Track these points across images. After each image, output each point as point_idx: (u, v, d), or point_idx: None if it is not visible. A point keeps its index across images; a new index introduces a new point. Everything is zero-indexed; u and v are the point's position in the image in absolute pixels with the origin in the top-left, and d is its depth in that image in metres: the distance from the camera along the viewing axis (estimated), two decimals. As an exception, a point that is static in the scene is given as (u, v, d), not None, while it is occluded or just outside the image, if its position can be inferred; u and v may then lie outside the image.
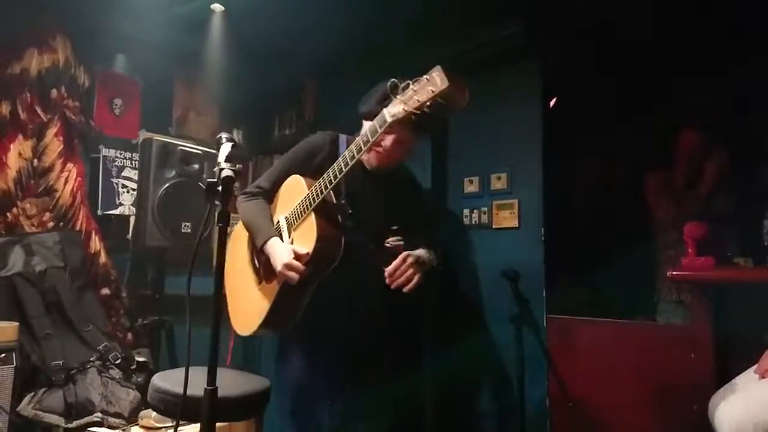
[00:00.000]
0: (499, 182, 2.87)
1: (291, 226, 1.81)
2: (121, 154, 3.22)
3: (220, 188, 1.33)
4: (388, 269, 1.74)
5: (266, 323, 1.85)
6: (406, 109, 1.47)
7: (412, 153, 1.86)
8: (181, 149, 2.86)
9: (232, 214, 1.41)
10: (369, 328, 1.87)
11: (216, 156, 1.48)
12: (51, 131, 2.91)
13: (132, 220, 3.06)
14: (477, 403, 2.77)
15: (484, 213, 2.89)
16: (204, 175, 2.89)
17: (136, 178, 3.06)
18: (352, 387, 1.87)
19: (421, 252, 1.81)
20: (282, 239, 1.80)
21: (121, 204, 3.20)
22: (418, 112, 1.45)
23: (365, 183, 1.86)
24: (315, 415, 1.85)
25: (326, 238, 1.70)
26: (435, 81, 1.43)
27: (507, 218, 2.83)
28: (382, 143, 1.81)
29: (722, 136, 2.77)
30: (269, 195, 1.95)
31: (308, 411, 1.86)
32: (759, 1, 2.39)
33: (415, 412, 2.53)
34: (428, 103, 1.44)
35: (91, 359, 2.58)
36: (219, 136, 1.57)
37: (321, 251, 1.69)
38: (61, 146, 2.94)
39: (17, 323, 2.39)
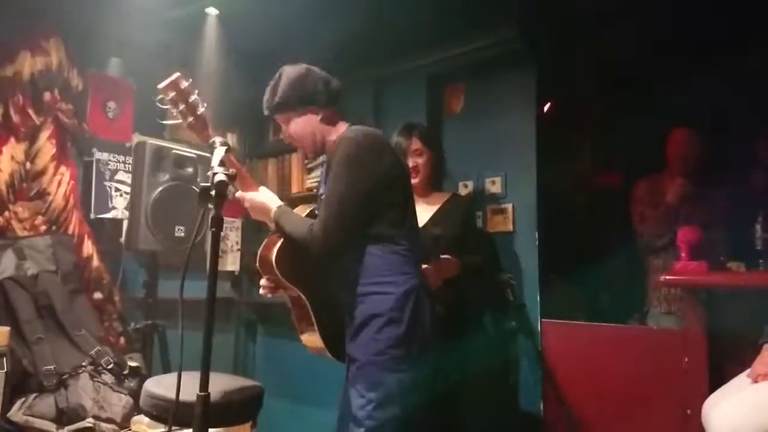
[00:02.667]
0: (493, 186, 2.88)
1: None
2: (114, 157, 3.20)
3: (213, 193, 1.32)
4: None
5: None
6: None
7: (297, 130, 1.77)
8: (175, 153, 2.84)
9: (225, 218, 1.41)
10: None
11: (210, 159, 1.47)
12: (44, 134, 2.89)
13: (125, 223, 3.04)
14: (470, 407, 2.77)
15: (479, 217, 2.90)
16: (198, 179, 2.88)
17: (129, 181, 3.04)
18: None
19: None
20: None
21: (114, 207, 3.18)
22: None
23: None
24: None
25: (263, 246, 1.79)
26: None
27: (501, 222, 2.83)
28: None
29: (714, 139, 2.79)
30: None
31: None
32: (753, 7, 2.42)
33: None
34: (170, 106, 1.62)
35: (83, 364, 2.56)
36: (212, 140, 1.57)
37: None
38: (54, 149, 2.93)
39: (8, 328, 2.37)
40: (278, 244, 1.71)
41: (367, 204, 1.60)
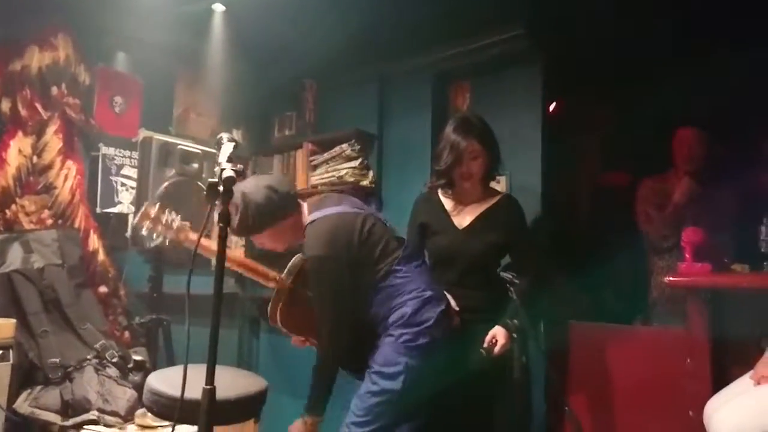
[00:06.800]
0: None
1: None
2: (120, 152, 3.22)
3: (221, 188, 1.33)
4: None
5: None
6: None
7: (273, 239, 1.98)
8: (181, 148, 2.85)
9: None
10: None
11: (215, 155, 1.48)
12: (51, 129, 2.91)
13: (131, 218, 3.06)
14: (472, 408, 2.77)
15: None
16: (203, 175, 2.89)
17: (135, 176, 3.05)
18: None
19: None
20: None
21: (119, 202, 3.19)
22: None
23: None
24: None
25: None
26: None
27: (506, 221, 2.82)
28: None
29: (721, 140, 2.78)
30: None
31: None
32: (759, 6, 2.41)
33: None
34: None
35: (88, 357, 2.58)
36: (220, 136, 1.57)
37: None
38: (61, 144, 2.95)
39: (14, 320, 2.39)
40: (279, 306, 1.94)
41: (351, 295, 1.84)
